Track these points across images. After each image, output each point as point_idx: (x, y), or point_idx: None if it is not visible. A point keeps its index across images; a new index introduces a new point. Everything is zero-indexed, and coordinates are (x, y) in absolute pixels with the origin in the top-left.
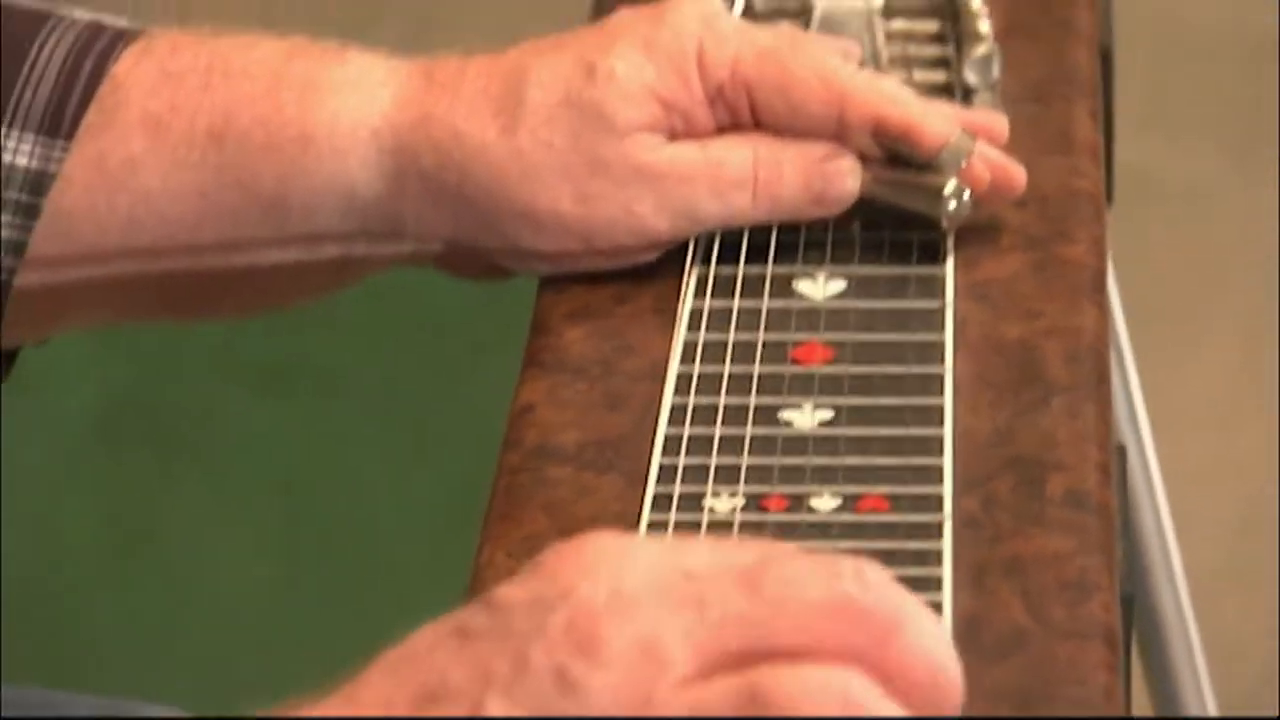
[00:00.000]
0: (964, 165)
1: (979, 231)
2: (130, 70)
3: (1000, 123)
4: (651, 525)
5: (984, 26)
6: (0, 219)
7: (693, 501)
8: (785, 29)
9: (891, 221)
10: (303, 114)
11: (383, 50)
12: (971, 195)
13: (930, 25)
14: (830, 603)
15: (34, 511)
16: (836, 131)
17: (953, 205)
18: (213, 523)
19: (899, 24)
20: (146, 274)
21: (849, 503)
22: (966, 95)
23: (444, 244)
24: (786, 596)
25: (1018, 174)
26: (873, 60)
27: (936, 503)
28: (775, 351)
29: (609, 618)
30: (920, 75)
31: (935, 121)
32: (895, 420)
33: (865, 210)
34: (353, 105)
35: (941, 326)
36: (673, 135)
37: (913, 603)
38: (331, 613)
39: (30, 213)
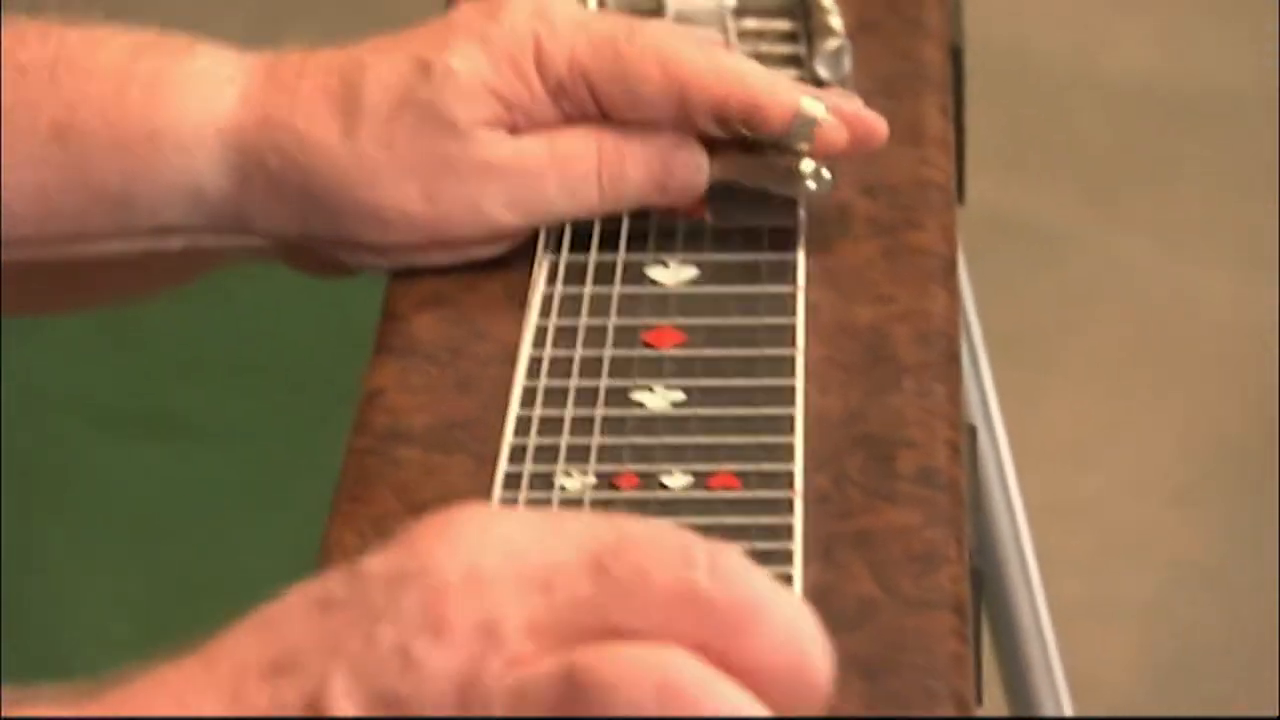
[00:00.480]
0: (814, 134)
1: (831, 218)
2: None
3: (854, 101)
4: (502, 503)
5: (835, 22)
6: None
7: (544, 480)
8: (625, 17)
9: (745, 209)
10: (149, 113)
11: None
12: (831, 172)
13: (782, 24)
14: (677, 591)
15: None
16: (679, 118)
17: (812, 185)
18: (72, 572)
19: (751, 22)
20: None
21: (700, 480)
22: (819, 88)
23: (292, 239)
24: (634, 584)
25: (877, 123)
26: None
27: (787, 479)
28: (627, 335)
29: (459, 598)
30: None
31: (781, 94)
32: (746, 401)
33: (720, 195)
34: (199, 104)
35: (793, 311)
36: (516, 130)
37: (772, 592)
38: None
39: None
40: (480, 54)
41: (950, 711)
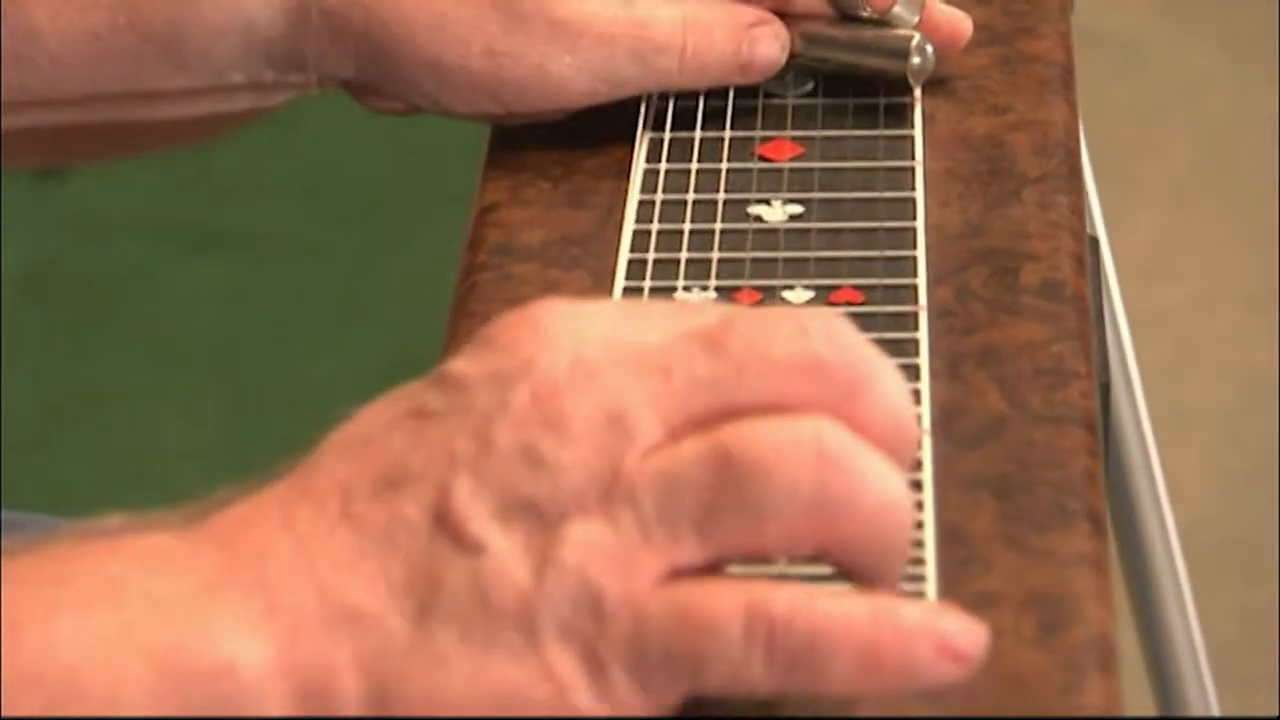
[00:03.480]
0: (920, 16)
1: None
2: None
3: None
4: None
5: None
6: None
7: (663, 296)
8: None
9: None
10: None
11: None
12: (931, 51)
13: None
14: (797, 359)
15: None
16: None
17: (917, 60)
18: (145, 388)
19: None
20: (45, 121)
21: (822, 294)
22: None
23: (351, 80)
24: (752, 355)
25: (964, 24)
26: None
27: (911, 294)
28: (742, 148)
29: (572, 389)
30: None
31: None
32: (866, 214)
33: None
34: None
35: (910, 122)
36: None
37: (879, 359)
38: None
39: None
40: None
41: (1086, 529)
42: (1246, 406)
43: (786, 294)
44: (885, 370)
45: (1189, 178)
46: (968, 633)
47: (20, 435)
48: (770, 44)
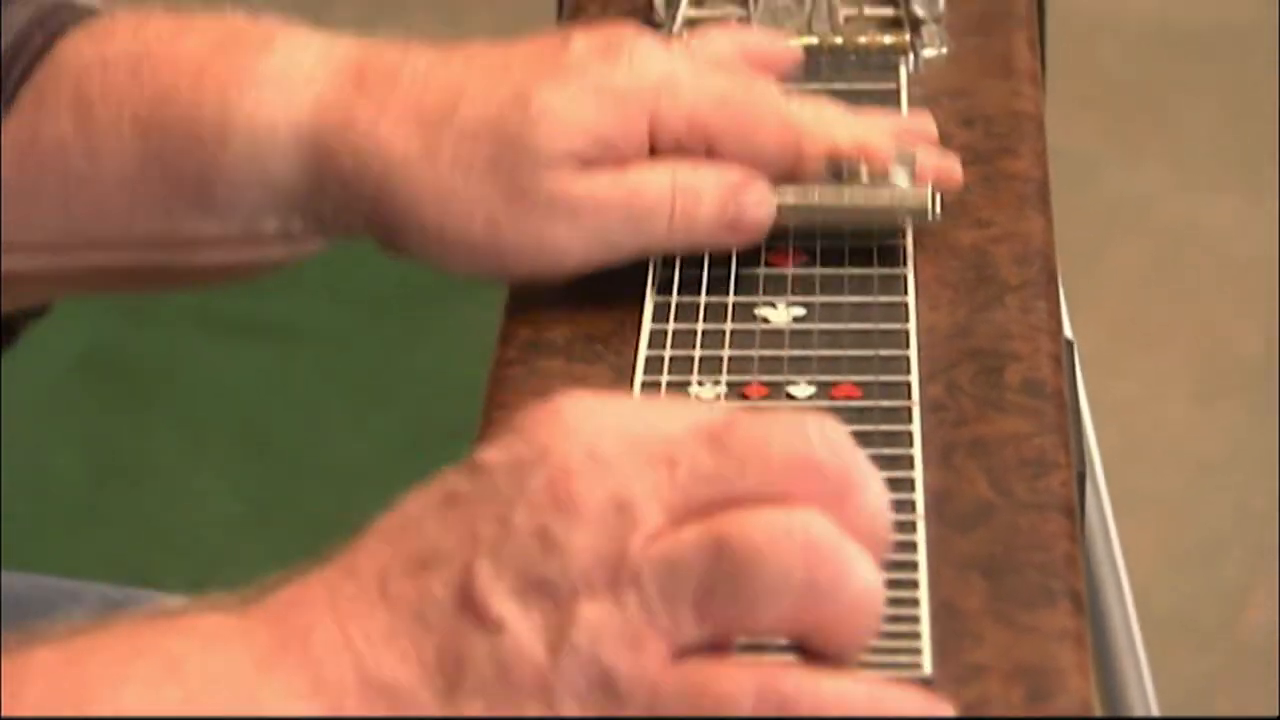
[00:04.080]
0: (913, 170)
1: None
2: (72, 51)
3: (929, 123)
4: None
5: None
6: None
7: (679, 389)
8: (737, 71)
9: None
10: (224, 111)
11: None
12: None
13: None
14: (794, 459)
15: (20, 447)
16: (793, 165)
17: (934, 213)
18: (186, 461)
19: None
20: (93, 262)
21: (824, 390)
22: (915, 26)
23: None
24: (752, 454)
25: (956, 172)
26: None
27: (905, 390)
28: (750, 255)
29: (584, 477)
30: (870, 10)
31: (878, 138)
32: (863, 317)
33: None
34: (275, 102)
35: (903, 233)
36: (593, 165)
37: (868, 464)
38: (298, 545)
39: None
40: (589, 99)
41: (1068, 607)
42: (1193, 492)
43: (791, 389)
44: (872, 476)
45: (1134, 280)
46: (942, 710)
47: (71, 503)
48: (757, 205)
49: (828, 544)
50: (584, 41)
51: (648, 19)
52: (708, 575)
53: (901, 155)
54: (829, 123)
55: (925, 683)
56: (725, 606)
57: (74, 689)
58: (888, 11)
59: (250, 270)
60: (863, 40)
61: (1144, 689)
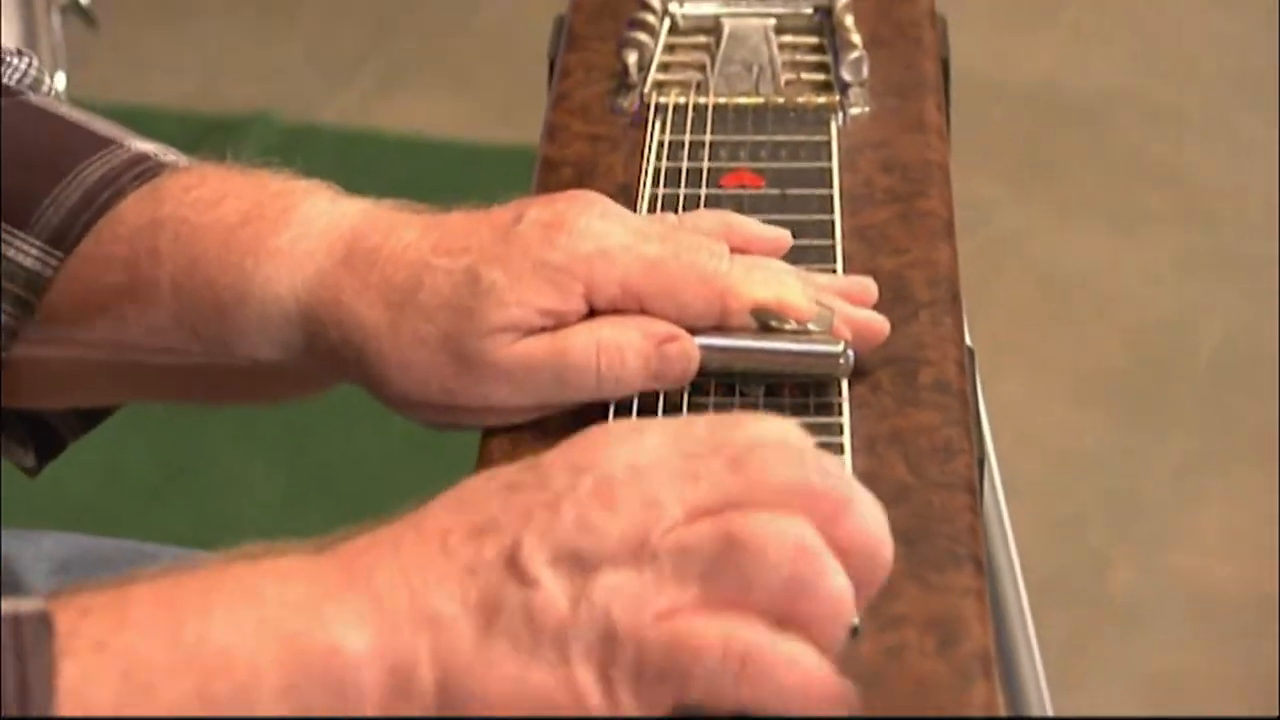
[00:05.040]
0: (831, 324)
1: (859, 192)
2: (130, 209)
3: (868, 285)
4: None
5: (855, 38)
6: (1, 306)
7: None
8: (668, 230)
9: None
10: (241, 278)
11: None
12: (854, 351)
13: (812, 39)
14: (795, 484)
15: (102, 441)
16: (720, 320)
17: (842, 362)
18: (238, 453)
19: (788, 38)
20: (140, 376)
21: (772, 389)
22: (844, 89)
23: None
24: (762, 477)
25: (880, 325)
26: (770, 65)
27: (836, 388)
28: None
29: (625, 485)
30: (806, 75)
31: (798, 298)
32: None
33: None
34: (281, 278)
35: (834, 260)
36: (539, 330)
37: (860, 491)
38: (331, 523)
39: (26, 307)
40: (530, 274)
41: (971, 569)
42: (1067, 476)
43: (743, 389)
44: (863, 501)
45: (1025, 301)
46: (850, 694)
47: (143, 488)
48: (680, 357)
49: (813, 549)
50: (533, 216)
51: (622, 83)
52: (714, 560)
53: (820, 315)
54: (755, 282)
55: (854, 631)
56: (724, 587)
57: (171, 612)
58: (821, 76)
59: (287, 393)
60: (801, 100)
61: (1028, 636)
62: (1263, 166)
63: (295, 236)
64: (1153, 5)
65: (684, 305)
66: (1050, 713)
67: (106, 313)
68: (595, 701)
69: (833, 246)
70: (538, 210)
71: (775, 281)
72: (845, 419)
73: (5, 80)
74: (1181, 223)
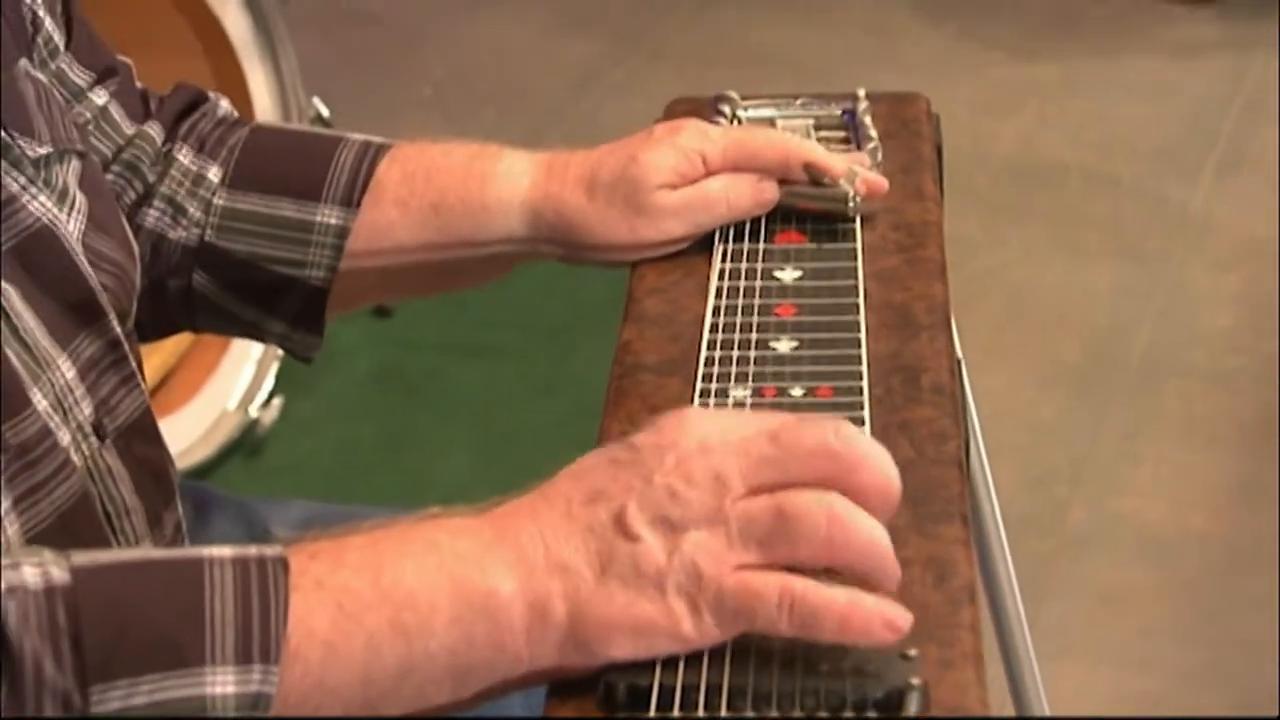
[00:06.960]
0: (856, 181)
1: (877, 245)
2: (385, 171)
3: (865, 159)
4: (700, 406)
5: (873, 133)
6: (325, 253)
7: (722, 393)
8: (749, 125)
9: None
10: (481, 194)
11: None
12: (861, 199)
13: (841, 133)
14: (819, 447)
15: (335, 427)
16: (784, 169)
17: (852, 205)
18: (438, 437)
19: (824, 134)
20: (405, 277)
21: (810, 391)
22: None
23: (563, 253)
24: (794, 445)
25: (881, 183)
26: None
27: (859, 390)
28: (765, 309)
29: (697, 459)
30: (834, 147)
31: (838, 161)
32: (833, 345)
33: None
34: (508, 189)
35: (857, 294)
36: (684, 183)
37: (871, 446)
38: (506, 490)
39: (336, 251)
40: (668, 151)
41: (959, 523)
42: (1037, 444)
43: (791, 391)
44: (874, 453)
45: (1001, 318)
46: (901, 616)
47: (366, 465)
48: (771, 191)
49: (843, 513)
50: (662, 126)
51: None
52: (769, 526)
53: (849, 173)
54: (806, 147)
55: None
56: (778, 545)
57: (374, 558)
58: (847, 156)
59: (499, 271)
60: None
61: (1007, 564)
62: (1178, 216)
63: (509, 167)
64: (1097, 97)
65: (760, 161)
66: (1025, 624)
67: (387, 239)
68: (687, 625)
69: (855, 285)
70: (664, 125)
71: (821, 150)
72: (866, 413)
73: (223, 114)
74: (1118, 257)
